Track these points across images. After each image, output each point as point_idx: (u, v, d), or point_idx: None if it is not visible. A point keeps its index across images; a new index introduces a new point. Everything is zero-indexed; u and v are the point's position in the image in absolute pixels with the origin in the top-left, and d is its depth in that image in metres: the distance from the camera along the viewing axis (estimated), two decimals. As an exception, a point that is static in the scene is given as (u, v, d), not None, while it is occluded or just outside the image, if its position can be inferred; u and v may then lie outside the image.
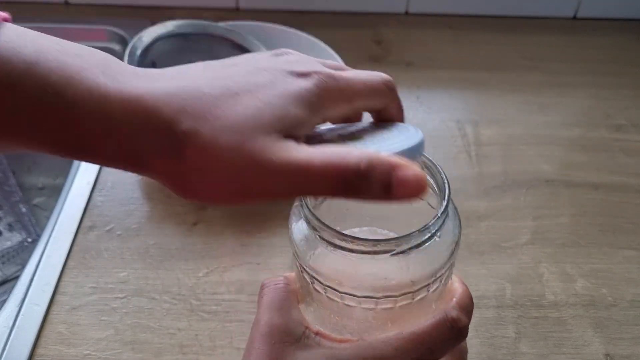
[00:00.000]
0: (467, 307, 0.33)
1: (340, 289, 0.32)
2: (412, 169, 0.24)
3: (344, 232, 0.30)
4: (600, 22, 0.95)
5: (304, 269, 0.33)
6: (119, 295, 0.55)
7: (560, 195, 0.66)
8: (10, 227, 0.78)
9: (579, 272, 0.58)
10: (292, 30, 0.78)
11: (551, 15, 0.95)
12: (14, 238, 0.77)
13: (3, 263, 0.74)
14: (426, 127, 0.75)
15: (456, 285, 0.35)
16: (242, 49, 0.75)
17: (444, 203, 0.31)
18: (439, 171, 0.34)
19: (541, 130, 0.75)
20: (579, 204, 0.65)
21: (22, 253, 0.77)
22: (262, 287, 0.34)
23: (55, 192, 0.86)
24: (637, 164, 0.71)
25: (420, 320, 0.32)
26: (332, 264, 0.32)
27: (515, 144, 0.73)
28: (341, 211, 0.39)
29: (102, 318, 0.53)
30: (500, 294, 0.56)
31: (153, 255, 0.58)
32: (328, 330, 0.33)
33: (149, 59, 0.71)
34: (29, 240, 0.78)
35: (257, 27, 0.78)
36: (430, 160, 0.35)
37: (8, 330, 0.50)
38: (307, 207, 0.32)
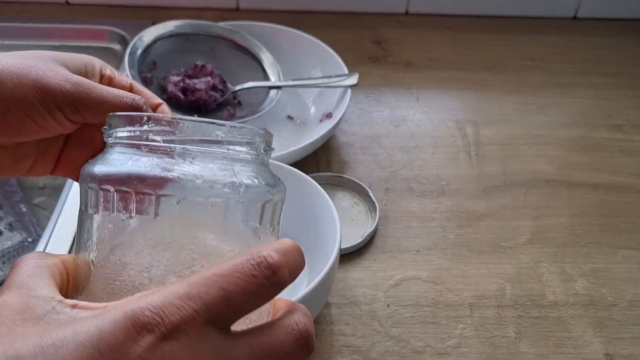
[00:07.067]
0: (286, 250, 0.25)
1: (134, 189, 0.27)
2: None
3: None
4: (600, 22, 0.95)
5: (89, 186, 0.28)
6: (120, 294, 0.55)
7: (560, 195, 0.66)
8: (11, 227, 0.78)
9: (578, 272, 0.58)
10: (292, 31, 0.78)
11: (551, 16, 0.95)
12: (15, 238, 0.77)
13: (3, 263, 0.74)
14: (426, 127, 0.75)
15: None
16: (243, 49, 0.75)
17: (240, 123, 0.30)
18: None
19: (541, 131, 0.75)
20: (578, 204, 0.65)
21: (22, 253, 0.77)
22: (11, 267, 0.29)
23: (56, 191, 0.86)
24: (637, 164, 0.71)
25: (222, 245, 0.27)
26: (123, 163, 0.28)
27: (515, 144, 0.73)
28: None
29: (103, 317, 0.53)
30: (500, 293, 0.56)
31: (153, 255, 0.58)
32: (109, 289, 0.27)
33: (149, 58, 0.71)
34: (30, 240, 0.78)
35: (258, 27, 0.78)
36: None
37: (9, 330, 0.50)
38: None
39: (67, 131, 0.35)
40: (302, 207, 0.54)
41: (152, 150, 0.27)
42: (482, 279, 0.57)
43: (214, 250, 0.27)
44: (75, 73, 0.35)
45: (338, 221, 0.50)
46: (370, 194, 0.64)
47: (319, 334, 0.52)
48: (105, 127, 0.30)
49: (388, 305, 0.55)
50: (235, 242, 0.28)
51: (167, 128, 0.27)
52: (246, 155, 0.28)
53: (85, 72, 0.36)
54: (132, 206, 0.27)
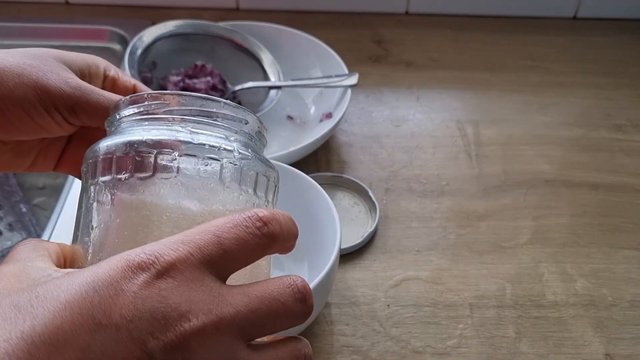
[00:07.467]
0: (276, 212, 0.26)
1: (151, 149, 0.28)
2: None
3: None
4: (600, 22, 0.95)
5: (90, 161, 0.29)
6: (119, 295, 0.55)
7: (560, 195, 0.66)
8: (11, 227, 0.78)
9: (579, 272, 0.58)
10: (292, 31, 0.78)
11: (551, 15, 0.95)
12: (15, 238, 0.77)
13: (3, 263, 0.74)
14: (426, 127, 0.75)
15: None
16: (242, 49, 0.75)
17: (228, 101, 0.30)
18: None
19: (541, 130, 0.75)
20: (579, 204, 0.65)
21: (22, 253, 0.77)
22: None
23: (56, 191, 0.86)
24: (637, 164, 0.71)
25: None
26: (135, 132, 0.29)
27: (515, 144, 0.73)
28: None
29: (103, 318, 0.53)
30: (500, 294, 0.56)
31: (153, 255, 0.58)
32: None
33: (149, 58, 0.71)
34: (29, 240, 0.78)
35: (257, 27, 0.78)
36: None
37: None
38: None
39: (66, 133, 0.35)
40: (302, 207, 0.54)
41: (152, 122, 0.29)
42: (482, 279, 0.57)
43: (210, 210, 0.28)
44: (78, 73, 0.35)
45: (338, 221, 0.50)
46: (370, 194, 0.64)
47: (319, 334, 0.52)
48: (108, 118, 0.31)
49: (388, 305, 0.55)
50: (230, 204, 0.29)
51: (166, 102, 0.29)
52: (239, 132, 0.30)
53: (88, 73, 0.36)
54: (131, 167, 0.28)
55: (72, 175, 0.38)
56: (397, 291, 0.56)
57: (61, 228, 0.60)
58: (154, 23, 0.77)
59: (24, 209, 0.81)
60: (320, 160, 0.69)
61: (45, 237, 0.59)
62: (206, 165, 0.28)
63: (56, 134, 0.35)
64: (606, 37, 0.92)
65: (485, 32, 0.92)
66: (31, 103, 0.32)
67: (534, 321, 0.54)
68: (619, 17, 0.95)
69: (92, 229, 0.28)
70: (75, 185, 0.65)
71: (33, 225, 0.80)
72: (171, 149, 0.27)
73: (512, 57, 0.87)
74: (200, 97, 0.29)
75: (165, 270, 0.22)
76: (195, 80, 0.70)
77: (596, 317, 0.54)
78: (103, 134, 0.31)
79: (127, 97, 0.30)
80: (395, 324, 0.53)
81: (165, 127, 0.28)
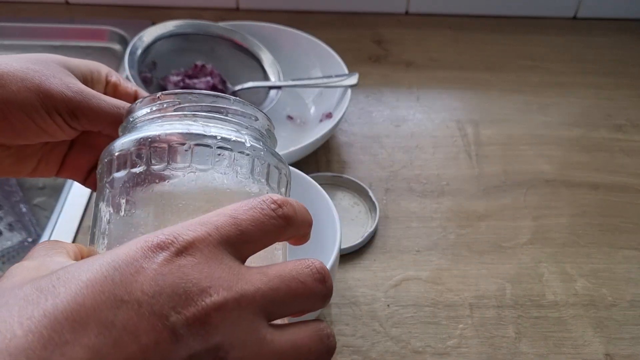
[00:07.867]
0: (290, 199, 0.27)
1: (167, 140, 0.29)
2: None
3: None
4: (600, 22, 0.95)
5: (106, 160, 0.30)
6: (120, 295, 0.55)
7: (560, 195, 0.66)
8: (11, 227, 0.78)
9: (579, 272, 0.58)
10: (292, 31, 0.78)
11: (551, 15, 0.95)
12: (15, 238, 0.77)
13: (3, 263, 0.74)
14: (426, 127, 0.75)
15: None
16: (243, 49, 0.75)
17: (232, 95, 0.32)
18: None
19: (541, 130, 0.75)
20: (579, 204, 0.65)
21: (22, 253, 0.77)
22: None
23: (56, 191, 0.86)
24: (637, 164, 0.71)
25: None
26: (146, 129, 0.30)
27: (515, 144, 0.73)
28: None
29: (103, 318, 0.53)
30: (500, 294, 0.56)
31: (153, 255, 0.58)
32: None
33: (149, 58, 0.71)
34: (30, 240, 0.78)
35: (258, 27, 0.78)
36: None
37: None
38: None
39: (68, 137, 0.36)
40: (302, 207, 0.54)
41: (165, 119, 0.30)
42: (482, 279, 0.57)
43: (223, 197, 0.29)
44: (80, 79, 0.36)
45: (338, 221, 0.50)
46: (370, 194, 0.64)
47: (319, 334, 0.52)
48: (122, 124, 0.32)
49: (388, 305, 0.55)
50: (243, 191, 0.29)
51: (178, 100, 0.30)
52: (250, 127, 0.31)
53: (91, 79, 0.37)
54: (146, 160, 0.28)
55: (75, 180, 0.39)
56: (397, 291, 0.56)
57: (61, 228, 0.60)
58: (154, 23, 0.77)
59: (24, 209, 0.81)
60: (320, 160, 0.69)
61: (45, 237, 0.59)
62: (219, 155, 0.29)
63: (58, 138, 0.35)
64: (606, 37, 0.92)
65: (485, 32, 0.92)
66: (33, 106, 0.33)
67: (534, 321, 0.54)
68: (619, 17, 0.95)
69: (109, 223, 0.29)
70: (75, 185, 0.65)
71: (33, 225, 0.80)
72: (184, 141, 0.28)
73: (512, 57, 0.87)
74: (211, 95, 0.30)
75: (185, 249, 0.23)
76: (195, 80, 0.70)
77: (596, 317, 0.54)
78: (105, 139, 0.32)
79: (140, 99, 0.31)
80: (395, 324, 0.53)
81: (178, 122, 0.29)
